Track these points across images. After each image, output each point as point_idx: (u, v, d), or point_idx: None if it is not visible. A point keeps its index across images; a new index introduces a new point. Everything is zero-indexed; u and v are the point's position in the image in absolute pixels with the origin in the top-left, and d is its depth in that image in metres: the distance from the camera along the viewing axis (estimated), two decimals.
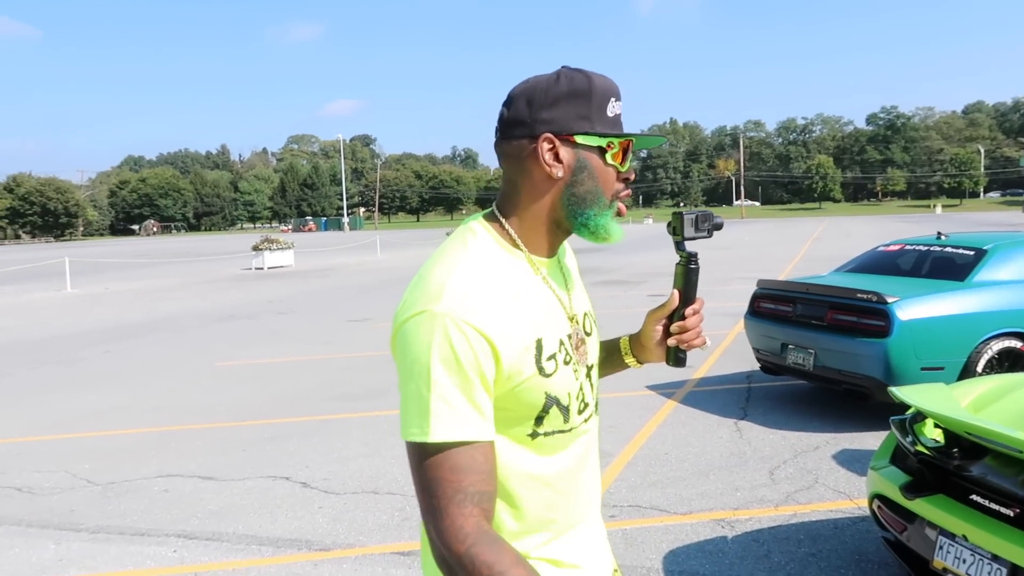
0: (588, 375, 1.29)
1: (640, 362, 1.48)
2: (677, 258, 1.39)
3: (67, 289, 20.71)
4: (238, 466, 5.31)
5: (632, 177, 1.25)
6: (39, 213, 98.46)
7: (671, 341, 1.39)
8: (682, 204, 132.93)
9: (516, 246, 1.21)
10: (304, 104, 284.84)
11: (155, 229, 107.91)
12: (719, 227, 1.43)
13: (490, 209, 1.26)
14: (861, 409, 5.94)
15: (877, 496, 3.10)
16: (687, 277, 1.38)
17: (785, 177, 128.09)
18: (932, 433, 3.04)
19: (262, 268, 26.46)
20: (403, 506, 4.46)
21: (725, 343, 9.18)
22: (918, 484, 2.87)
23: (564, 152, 1.17)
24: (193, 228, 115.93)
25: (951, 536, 2.64)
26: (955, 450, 2.84)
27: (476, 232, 1.21)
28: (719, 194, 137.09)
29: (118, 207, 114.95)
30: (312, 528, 4.21)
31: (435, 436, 1.07)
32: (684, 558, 3.66)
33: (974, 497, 2.65)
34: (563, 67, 1.21)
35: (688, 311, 1.38)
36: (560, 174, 1.17)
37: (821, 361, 5.82)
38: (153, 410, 7.05)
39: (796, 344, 6.07)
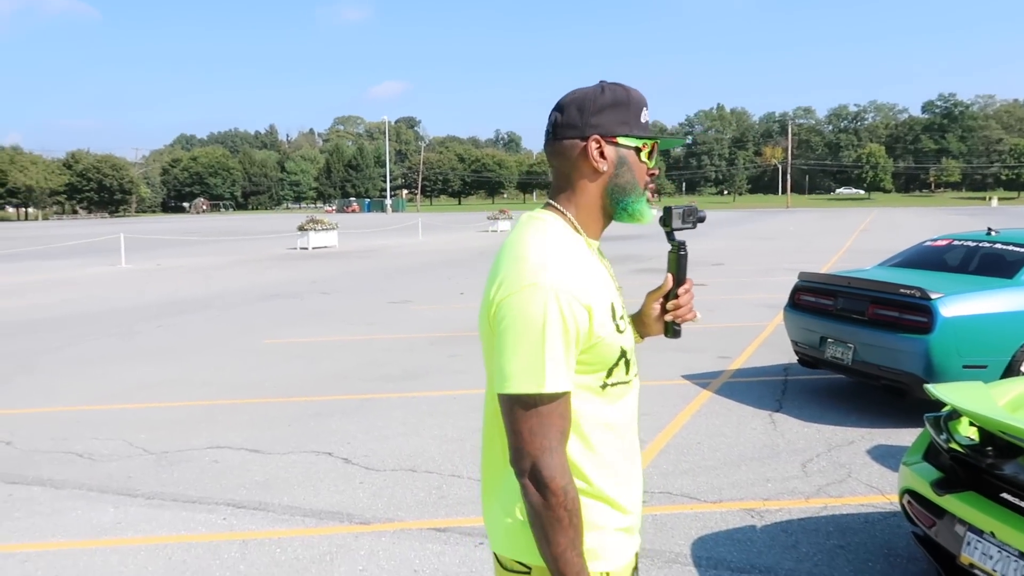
0: (637, 340, 1.61)
1: (642, 336, 1.72)
2: (669, 247, 1.65)
3: (122, 264, 21.39)
4: (283, 440, 5.52)
5: (656, 172, 1.53)
6: (95, 189, 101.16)
7: (667, 317, 1.66)
8: (725, 192, 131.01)
9: (576, 230, 1.46)
10: (351, 86, 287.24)
11: (204, 207, 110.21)
12: (702, 219, 1.68)
13: (546, 201, 1.51)
14: (898, 405, 5.91)
15: (908, 491, 3.14)
16: (678, 263, 1.64)
17: (834, 166, 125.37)
18: (967, 431, 3.06)
19: (307, 248, 26.94)
20: (440, 484, 4.61)
21: (764, 334, 9.16)
22: (949, 481, 2.90)
23: (608, 151, 1.44)
24: (241, 207, 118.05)
25: (979, 533, 2.67)
26: (989, 449, 2.86)
27: (547, 219, 1.45)
28: (764, 182, 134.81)
29: (170, 185, 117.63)
30: (353, 502, 4.38)
31: (549, 387, 1.30)
32: (712, 545, 3.74)
33: (1005, 495, 2.68)
34: (602, 81, 1.47)
35: (680, 291, 1.64)
36: (605, 168, 1.44)
37: (860, 356, 5.80)
38: (203, 384, 7.33)
39: (835, 338, 6.06)
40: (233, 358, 8.55)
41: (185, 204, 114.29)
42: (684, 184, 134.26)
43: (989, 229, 6.74)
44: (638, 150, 1.46)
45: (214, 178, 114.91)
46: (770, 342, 8.65)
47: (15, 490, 4.66)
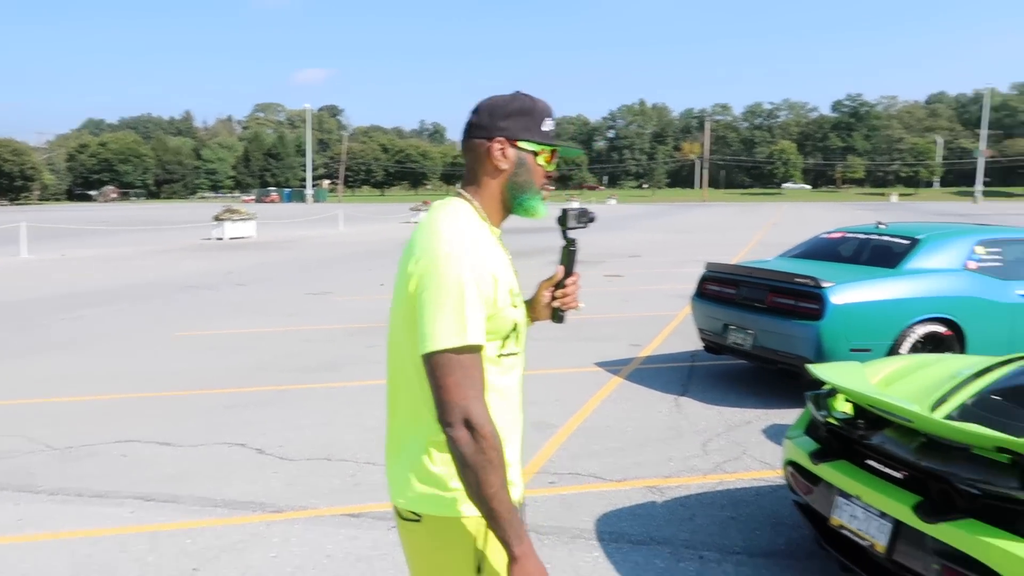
0: (527, 321, 1.80)
1: (533, 320, 1.92)
2: (564, 243, 1.86)
3: (23, 255, 20.36)
4: (195, 433, 5.46)
5: (555, 175, 1.74)
6: None
7: (555, 304, 1.88)
8: (644, 186, 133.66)
9: (482, 218, 1.65)
10: (272, 72, 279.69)
11: (114, 195, 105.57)
12: (593, 220, 1.92)
13: (457, 191, 1.70)
14: (794, 387, 6.26)
15: (790, 463, 3.38)
16: (569, 257, 1.87)
17: (749, 162, 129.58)
18: (843, 407, 3.32)
19: (223, 239, 26.24)
20: (354, 472, 4.66)
21: (674, 323, 9.50)
22: (825, 451, 3.16)
23: (510, 152, 1.64)
24: (153, 195, 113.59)
25: (848, 496, 2.92)
26: (860, 421, 3.12)
27: (456, 205, 1.65)
28: (683, 177, 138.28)
29: (76, 171, 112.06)
30: (266, 492, 4.39)
31: (471, 339, 1.49)
32: (615, 521, 3.93)
33: (870, 462, 2.94)
34: (518, 92, 1.69)
35: (568, 282, 1.86)
36: (505, 167, 1.65)
37: (759, 342, 6.13)
38: (112, 378, 7.13)
39: (737, 325, 6.38)
40: (143, 351, 8.34)
41: (92, 192, 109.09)
42: (607, 177, 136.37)
43: (878, 223, 7.20)
44: (536, 154, 1.66)
45: (125, 165, 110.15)
46: (680, 330, 8.98)
47: None
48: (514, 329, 1.64)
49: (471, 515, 1.58)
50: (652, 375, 6.98)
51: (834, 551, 3.05)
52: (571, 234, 1.86)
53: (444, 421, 1.48)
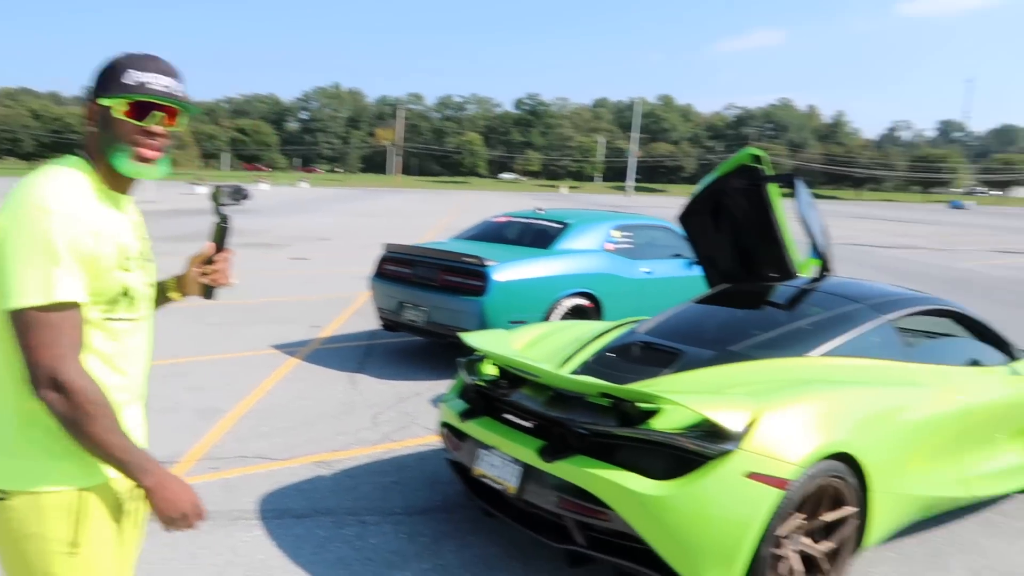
0: (150, 288, 1.75)
1: (183, 294, 1.93)
2: (215, 218, 1.88)
3: None
4: None
5: (153, 129, 1.61)
6: None
7: (204, 280, 1.89)
8: (336, 169, 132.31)
9: (95, 178, 1.60)
10: None
11: None
12: (247, 197, 1.95)
13: (80, 154, 1.63)
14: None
15: (444, 424, 3.63)
16: (220, 233, 1.88)
17: (439, 151, 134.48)
18: (490, 370, 3.63)
19: None
20: None
21: (356, 304, 9.59)
22: (472, 411, 3.44)
23: (95, 111, 1.61)
24: None
25: (487, 447, 3.22)
26: (503, 381, 3.45)
27: (66, 166, 1.58)
28: (378, 163, 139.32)
29: None
30: None
31: (59, 296, 1.43)
32: (280, 498, 3.89)
33: (506, 415, 3.27)
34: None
35: (218, 258, 1.88)
36: (93, 128, 1.61)
37: (432, 318, 6.44)
38: None
39: (412, 302, 6.63)
40: None
41: None
42: (300, 159, 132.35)
43: (537, 208, 7.94)
44: (110, 108, 1.58)
45: None
46: (362, 311, 9.09)
47: None
48: (124, 294, 1.59)
49: (65, 489, 1.53)
50: (330, 355, 6.99)
51: (478, 499, 3.35)
52: (223, 211, 1.87)
53: (33, 384, 1.43)
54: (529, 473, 3.00)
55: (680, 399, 2.73)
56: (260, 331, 7.76)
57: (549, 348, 3.92)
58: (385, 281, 7.07)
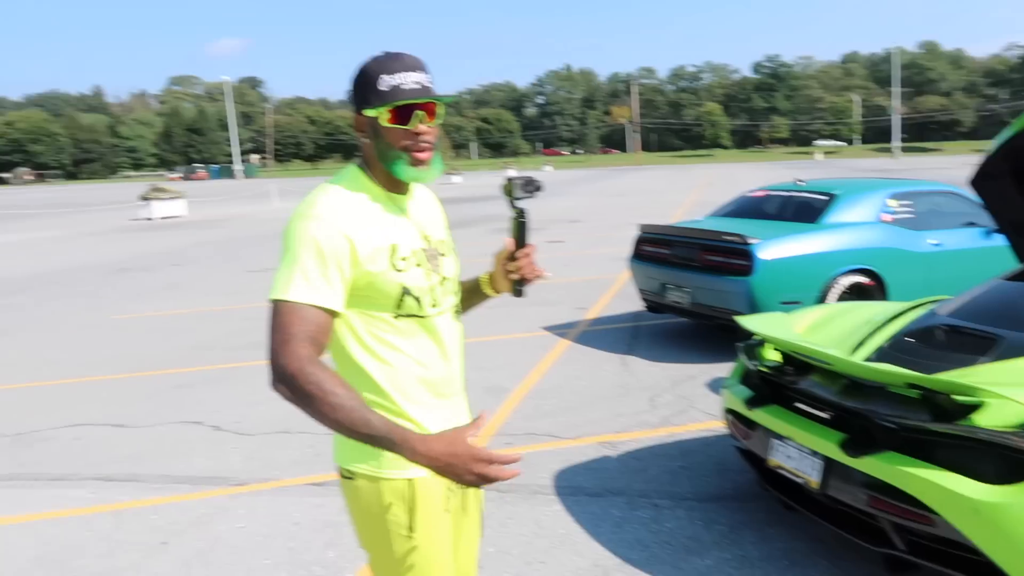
0: (441, 283, 1.74)
1: (496, 291, 1.94)
2: (512, 213, 1.83)
3: None
4: (147, 414, 5.46)
5: (423, 131, 1.63)
6: None
7: (513, 277, 1.87)
8: (578, 151, 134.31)
9: (373, 181, 1.68)
10: (184, 43, 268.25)
11: (29, 177, 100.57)
12: (540, 189, 1.90)
13: (359, 161, 1.72)
14: (733, 341, 6.58)
15: (729, 411, 3.64)
16: (519, 228, 1.83)
17: (677, 124, 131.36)
18: (771, 355, 3.58)
19: (151, 219, 25.45)
20: (313, 443, 4.76)
21: (617, 286, 9.78)
22: (758, 398, 3.41)
23: (362, 123, 1.66)
24: (71, 176, 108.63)
25: (781, 438, 3.18)
26: (788, 368, 3.38)
27: (345, 172, 1.69)
28: (615, 140, 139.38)
29: None
30: (227, 466, 4.46)
31: (292, 296, 1.53)
32: (571, 476, 4.15)
33: (799, 405, 3.21)
34: (368, 59, 1.65)
35: (520, 254, 1.84)
36: (365, 139, 1.67)
37: (696, 299, 6.42)
38: (51, 363, 7.01)
39: (674, 284, 6.65)
40: (81, 335, 8.18)
41: (5, 175, 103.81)
42: (540, 144, 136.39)
43: (797, 180, 7.54)
44: (377, 118, 1.62)
45: (36, 145, 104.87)
46: (622, 292, 9.26)
47: None
48: (406, 292, 1.63)
49: (399, 477, 1.63)
50: (598, 336, 7.23)
51: (775, 491, 3.32)
52: (519, 204, 1.82)
53: (272, 366, 1.52)
54: (832, 467, 2.92)
55: (1011, 393, 2.51)
56: (530, 313, 8.21)
57: (836, 332, 3.75)
58: (644, 263, 7.15)
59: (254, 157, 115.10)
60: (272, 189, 35.96)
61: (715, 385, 5.60)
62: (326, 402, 1.47)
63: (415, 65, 1.62)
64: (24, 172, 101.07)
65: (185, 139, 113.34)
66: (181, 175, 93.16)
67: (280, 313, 1.53)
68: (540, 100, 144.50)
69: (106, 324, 8.75)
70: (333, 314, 1.57)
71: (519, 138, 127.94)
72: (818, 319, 3.97)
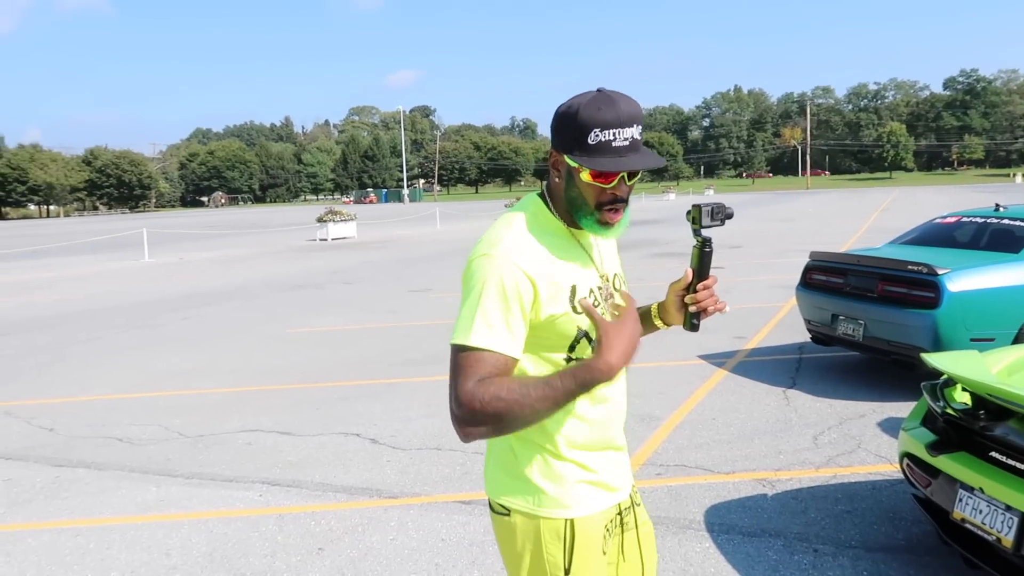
0: None
1: (667, 324, 1.79)
2: (694, 241, 1.68)
3: (145, 259, 21.80)
4: (312, 423, 5.76)
5: (620, 194, 1.53)
6: (115, 185, 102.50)
7: (692, 308, 1.69)
8: (744, 175, 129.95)
9: (554, 215, 1.60)
10: (366, 75, 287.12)
11: (223, 201, 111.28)
12: (731, 216, 1.73)
13: (541, 189, 1.65)
14: (909, 379, 6.03)
15: (906, 455, 3.30)
16: (701, 259, 1.68)
17: (855, 146, 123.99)
18: (960, 397, 3.21)
19: (326, 239, 27.26)
20: (463, 461, 4.82)
21: (779, 315, 9.27)
22: (943, 443, 3.06)
23: (560, 164, 1.56)
24: (259, 200, 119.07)
25: (970, 489, 2.83)
26: (981, 412, 3.01)
27: (528, 203, 1.63)
28: (784, 164, 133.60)
29: (188, 179, 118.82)
30: (381, 479, 4.60)
31: (474, 341, 1.46)
32: (725, 512, 3.92)
33: (993, 454, 2.84)
34: (600, 89, 1.52)
35: (700, 286, 1.67)
36: (558, 180, 1.58)
37: (871, 332, 5.93)
38: (231, 371, 7.60)
39: (846, 315, 6.19)
40: (259, 346, 8.82)
41: (204, 198, 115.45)
42: (703, 168, 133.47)
43: (997, 205, 6.82)
44: (577, 169, 1.51)
45: (232, 172, 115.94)
46: (785, 322, 8.77)
47: (62, 472, 4.93)
48: (582, 335, 1.56)
49: (558, 516, 1.58)
50: (758, 367, 6.86)
51: (957, 546, 2.96)
52: (705, 232, 1.67)
53: (452, 416, 1.44)
54: None
55: None
56: (684, 340, 7.95)
57: None
58: (813, 291, 6.72)
59: (420, 182, 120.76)
60: (435, 212, 37.45)
61: (888, 426, 5.13)
62: (521, 406, 1.40)
63: (630, 118, 1.48)
64: (220, 196, 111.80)
65: (360, 165, 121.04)
66: (353, 199, 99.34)
67: (461, 359, 1.46)
68: (705, 123, 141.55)
69: (282, 336, 9.38)
70: (515, 360, 1.49)
71: (681, 161, 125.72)
72: (1017, 360, 3.52)
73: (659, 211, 42.03)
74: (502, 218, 1.59)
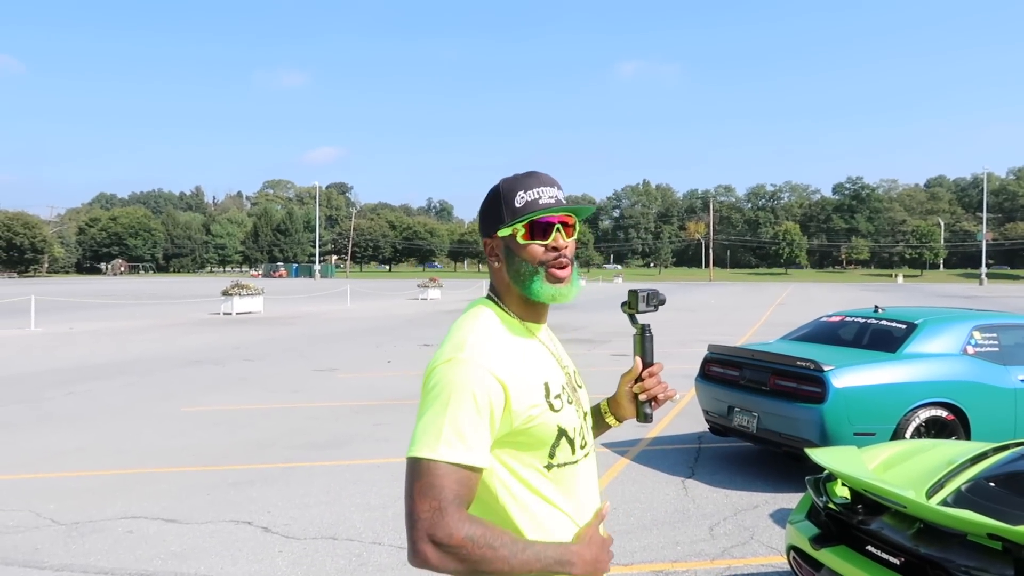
0: (584, 418, 1.60)
1: (619, 420, 1.77)
2: (633, 329, 1.71)
3: (31, 327, 20.54)
4: (201, 509, 5.47)
5: (558, 245, 1.53)
6: (4, 248, 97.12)
7: (641, 397, 1.68)
8: (652, 264, 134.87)
9: (509, 315, 1.56)
10: (284, 149, 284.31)
11: (123, 269, 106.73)
12: (663, 303, 1.78)
13: (486, 294, 1.62)
14: (801, 470, 6.26)
15: (792, 548, 3.42)
16: (643, 344, 1.70)
17: (753, 242, 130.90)
18: (841, 491, 3.37)
19: (231, 313, 26.44)
20: (360, 552, 4.67)
21: (681, 404, 9.52)
22: (825, 536, 3.20)
23: (494, 246, 1.57)
24: (162, 269, 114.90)
25: None
26: (859, 506, 3.17)
27: (481, 309, 1.56)
28: (689, 256, 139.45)
29: (86, 245, 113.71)
30: (271, 571, 4.39)
31: (442, 455, 1.37)
32: None
33: (870, 548, 2.98)
34: (501, 180, 1.57)
35: (645, 374, 1.68)
36: (497, 264, 1.57)
37: (764, 424, 6.17)
38: (117, 452, 7.17)
39: (741, 407, 6.43)
40: (149, 425, 8.38)
41: (102, 265, 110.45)
42: (612, 256, 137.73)
43: (876, 307, 7.33)
44: (512, 236, 1.53)
45: (134, 239, 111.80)
46: (687, 411, 9.00)
47: None
48: (561, 436, 1.49)
49: None
50: (659, 456, 6.99)
51: None
52: (641, 319, 1.70)
53: (409, 541, 1.36)
54: None
55: None
56: None
57: (912, 472, 3.52)
58: (711, 383, 6.97)
59: (333, 258, 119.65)
60: (346, 289, 37.06)
61: (779, 517, 5.29)
62: (498, 558, 1.35)
63: (550, 181, 1.55)
64: (119, 264, 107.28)
65: (271, 238, 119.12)
66: (262, 272, 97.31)
67: (428, 474, 1.36)
68: (615, 213, 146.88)
69: (175, 415, 8.96)
70: (480, 472, 1.42)
71: (592, 249, 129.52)
72: (893, 456, 3.75)
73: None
74: (459, 322, 1.54)
